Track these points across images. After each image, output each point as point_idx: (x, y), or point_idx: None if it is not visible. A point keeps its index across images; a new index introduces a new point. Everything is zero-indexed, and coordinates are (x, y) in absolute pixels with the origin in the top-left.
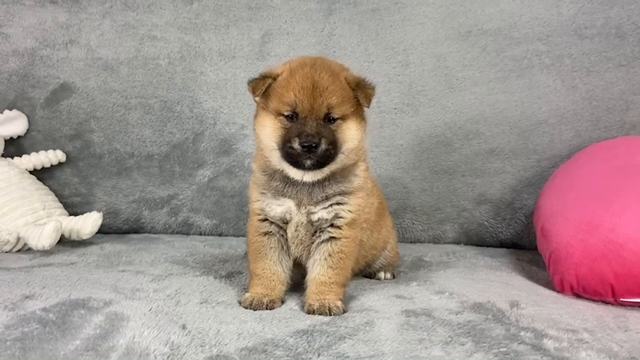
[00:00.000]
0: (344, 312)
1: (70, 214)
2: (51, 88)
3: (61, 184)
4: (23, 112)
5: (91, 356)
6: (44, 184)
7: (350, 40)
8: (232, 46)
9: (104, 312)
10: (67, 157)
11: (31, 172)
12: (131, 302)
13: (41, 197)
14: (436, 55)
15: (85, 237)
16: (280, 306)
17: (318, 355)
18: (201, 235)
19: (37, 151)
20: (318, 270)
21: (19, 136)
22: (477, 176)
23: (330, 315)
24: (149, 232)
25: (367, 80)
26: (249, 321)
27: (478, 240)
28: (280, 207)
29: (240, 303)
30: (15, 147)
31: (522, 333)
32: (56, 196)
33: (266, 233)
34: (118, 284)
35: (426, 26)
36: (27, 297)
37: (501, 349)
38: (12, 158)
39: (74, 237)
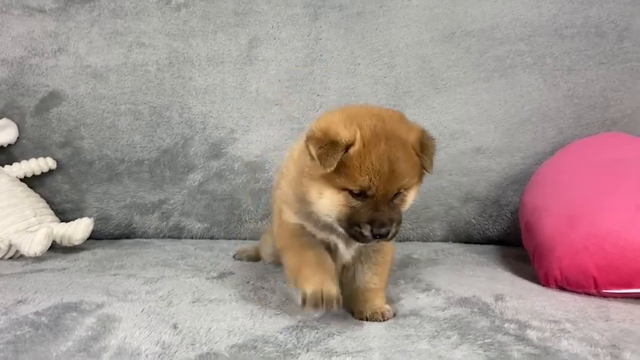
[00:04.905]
0: (394, 315)
1: (62, 221)
2: (40, 96)
3: (52, 191)
4: (13, 120)
5: (83, 357)
6: (35, 191)
7: (336, 44)
8: (220, 51)
9: (96, 314)
10: (57, 164)
11: (21, 180)
12: (123, 304)
13: (32, 204)
14: (421, 56)
15: (76, 243)
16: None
17: (307, 351)
18: (192, 238)
19: (27, 159)
20: (364, 278)
21: (9, 145)
22: (463, 175)
23: (384, 320)
24: (141, 237)
25: (427, 135)
26: (240, 317)
27: (466, 237)
28: (326, 235)
29: (303, 303)
30: (5, 155)
31: (506, 325)
32: (47, 203)
33: (309, 235)
34: (110, 287)
35: (411, 28)
36: (19, 301)
37: (486, 341)
38: (2, 166)
39: (66, 243)
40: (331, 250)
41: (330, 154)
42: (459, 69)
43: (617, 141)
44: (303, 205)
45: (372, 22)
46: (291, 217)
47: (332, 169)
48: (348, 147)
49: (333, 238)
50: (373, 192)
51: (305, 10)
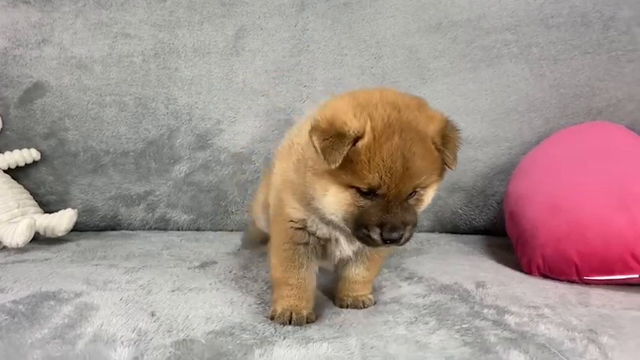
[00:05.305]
0: (374, 303)
1: (46, 213)
2: (24, 87)
3: (36, 182)
4: None
5: (58, 344)
6: (19, 183)
7: (323, 34)
8: (206, 42)
9: (74, 303)
10: (41, 156)
11: (5, 172)
12: (102, 293)
13: (15, 196)
14: (408, 47)
15: (60, 234)
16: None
17: (284, 339)
18: (178, 230)
19: (11, 150)
20: (354, 270)
21: None
22: None
23: (364, 308)
24: (126, 229)
25: (450, 125)
26: (219, 305)
27: (452, 227)
28: (329, 230)
29: (271, 319)
30: None
31: (485, 310)
32: (31, 195)
33: (304, 243)
34: (90, 277)
35: (398, 19)
36: None
37: (463, 326)
38: None
39: (49, 234)
40: (317, 253)
41: (335, 147)
42: (446, 59)
43: (601, 130)
44: (307, 197)
45: (359, 13)
46: (295, 210)
47: (336, 165)
48: (356, 140)
49: (336, 234)
50: (384, 191)
51: (292, 1)
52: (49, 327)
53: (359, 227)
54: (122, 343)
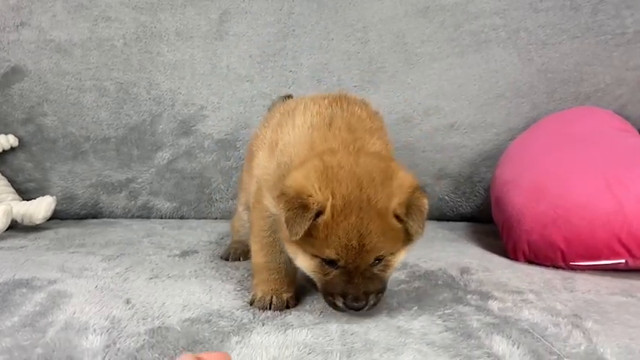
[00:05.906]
0: None
1: (25, 200)
2: (2, 71)
3: (14, 169)
4: None
5: (28, 332)
6: None
7: (309, 19)
8: (189, 25)
9: (47, 290)
10: (19, 142)
11: None
12: (77, 281)
13: None
14: (395, 31)
15: (38, 222)
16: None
17: (262, 325)
18: (161, 218)
19: None
20: None
21: None
22: (437, 151)
23: None
24: (108, 217)
25: (416, 195)
26: (197, 293)
27: (439, 214)
28: None
29: (251, 304)
30: None
31: (469, 296)
32: (10, 182)
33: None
34: (65, 264)
35: (385, 3)
36: None
37: (446, 311)
38: None
39: (27, 222)
40: None
41: (298, 221)
42: (433, 44)
43: (588, 115)
44: None
45: None
46: (273, 205)
47: (297, 238)
48: (318, 213)
49: None
50: (343, 264)
51: None
52: (20, 315)
53: (326, 295)
54: (94, 331)
